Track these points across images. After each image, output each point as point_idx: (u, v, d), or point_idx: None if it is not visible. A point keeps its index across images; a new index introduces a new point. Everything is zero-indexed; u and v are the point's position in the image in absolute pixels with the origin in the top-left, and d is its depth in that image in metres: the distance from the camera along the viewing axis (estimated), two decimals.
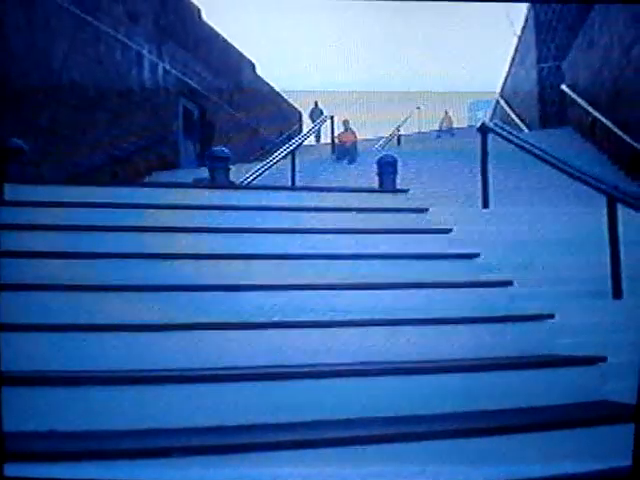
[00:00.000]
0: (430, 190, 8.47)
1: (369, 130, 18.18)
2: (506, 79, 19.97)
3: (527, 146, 6.74)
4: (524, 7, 17.66)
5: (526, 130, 16.08)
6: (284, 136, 18.02)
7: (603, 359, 3.70)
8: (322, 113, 17.58)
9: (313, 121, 17.62)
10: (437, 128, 19.97)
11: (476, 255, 4.85)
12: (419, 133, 18.76)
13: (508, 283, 4.48)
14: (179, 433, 2.95)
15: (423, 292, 4.28)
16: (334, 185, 9.21)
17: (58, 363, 3.31)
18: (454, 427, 3.10)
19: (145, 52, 13.45)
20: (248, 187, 7.55)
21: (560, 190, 7.48)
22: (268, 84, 19.97)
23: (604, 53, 12.46)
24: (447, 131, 19.43)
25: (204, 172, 8.47)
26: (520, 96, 18.17)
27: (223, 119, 16.54)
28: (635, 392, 2.67)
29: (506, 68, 19.92)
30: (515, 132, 8.53)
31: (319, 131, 17.80)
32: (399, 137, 16.77)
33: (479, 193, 6.73)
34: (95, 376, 3.20)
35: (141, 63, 13.33)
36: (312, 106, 18.90)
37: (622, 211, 5.04)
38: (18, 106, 8.96)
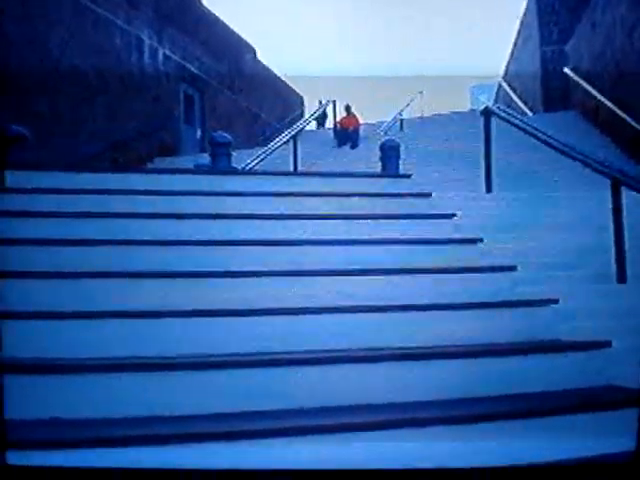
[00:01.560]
0: (435, 175, 8.42)
1: (371, 115, 18.10)
2: (509, 62, 19.87)
3: (531, 130, 6.70)
4: None
5: (529, 113, 15.99)
6: (286, 121, 17.95)
7: (608, 344, 3.69)
8: (325, 114, 17.46)
9: (317, 120, 17.47)
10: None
11: (479, 240, 4.83)
12: (422, 117, 18.63)
13: (512, 268, 4.46)
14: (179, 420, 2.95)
15: (425, 277, 4.26)
16: (337, 170, 9.16)
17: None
18: (458, 413, 3.09)
19: (145, 37, 13.38)
20: (250, 173, 7.51)
21: (565, 173, 7.44)
22: (269, 69, 19.89)
23: (607, 36, 12.38)
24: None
25: (205, 158, 8.46)
26: (523, 79, 18.08)
27: (224, 104, 16.48)
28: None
29: (509, 51, 19.82)
30: (519, 116, 8.47)
31: (324, 118, 17.73)
32: (402, 121, 16.69)
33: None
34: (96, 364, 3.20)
35: (141, 49, 13.26)
36: (317, 105, 18.65)
37: (627, 194, 5.01)
38: (18, 93, 8.92)
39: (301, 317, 3.74)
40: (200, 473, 2.64)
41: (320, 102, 17.62)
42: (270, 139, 10.92)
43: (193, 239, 4.44)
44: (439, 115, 17.26)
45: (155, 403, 3.02)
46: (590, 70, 13.38)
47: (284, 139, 9.42)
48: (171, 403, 3.04)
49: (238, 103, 17.29)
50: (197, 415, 3.00)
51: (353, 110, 15.58)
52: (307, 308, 3.81)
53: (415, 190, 5.74)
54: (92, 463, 2.56)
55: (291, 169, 8.87)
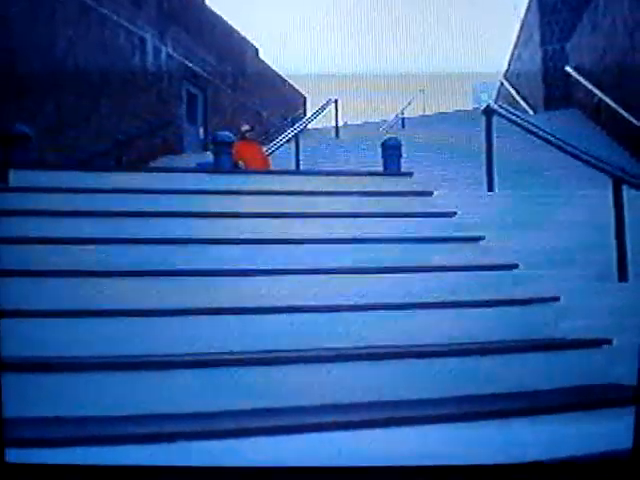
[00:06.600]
0: (436, 173, 8.43)
1: (373, 113, 18.06)
2: (510, 61, 19.84)
3: (532, 128, 6.70)
4: None
5: (531, 112, 15.98)
6: (288, 120, 17.95)
7: (609, 341, 3.70)
8: None
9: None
10: None
11: (481, 238, 4.84)
12: (424, 116, 18.60)
13: (513, 266, 4.47)
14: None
15: (427, 275, 4.27)
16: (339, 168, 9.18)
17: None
18: (459, 410, 3.11)
19: (148, 37, 13.40)
20: (252, 172, 7.53)
21: (566, 171, 7.45)
22: (271, 68, 19.88)
23: (608, 34, 12.37)
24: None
25: (208, 157, 8.48)
26: (524, 78, 18.06)
27: (226, 103, 16.49)
28: None
29: (510, 50, 19.78)
30: (520, 114, 8.48)
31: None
32: (403, 120, 16.66)
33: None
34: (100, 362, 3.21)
35: (144, 48, 13.28)
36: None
37: (628, 193, 5.01)
38: (23, 92, 8.95)
39: (306, 314, 3.75)
40: (200, 470, 2.65)
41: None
42: (272, 138, 10.94)
43: (195, 238, 4.46)
44: (441, 113, 17.23)
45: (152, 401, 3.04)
46: (592, 68, 13.37)
47: (286, 137, 9.45)
48: (169, 401, 3.06)
49: (240, 102, 17.30)
50: (199, 413, 3.02)
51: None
52: (304, 307, 3.81)
53: (416, 188, 5.76)
54: (91, 461, 2.57)
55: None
